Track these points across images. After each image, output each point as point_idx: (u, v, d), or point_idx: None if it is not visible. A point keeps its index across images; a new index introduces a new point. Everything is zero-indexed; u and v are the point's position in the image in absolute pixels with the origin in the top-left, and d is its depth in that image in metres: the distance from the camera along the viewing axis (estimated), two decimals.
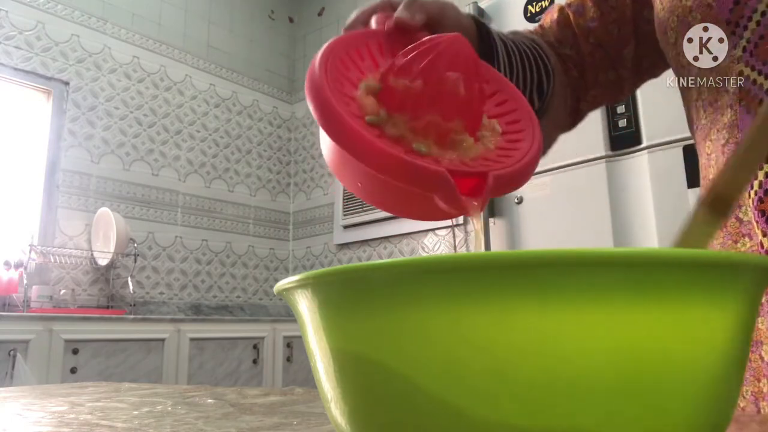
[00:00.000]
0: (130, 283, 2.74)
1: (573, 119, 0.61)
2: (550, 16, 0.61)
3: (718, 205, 0.28)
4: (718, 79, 0.48)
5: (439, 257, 0.18)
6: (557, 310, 0.17)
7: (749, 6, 0.44)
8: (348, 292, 0.20)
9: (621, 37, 0.57)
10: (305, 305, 0.22)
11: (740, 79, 0.46)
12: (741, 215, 0.47)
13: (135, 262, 2.77)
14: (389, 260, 0.18)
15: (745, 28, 0.45)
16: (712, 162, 0.51)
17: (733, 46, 0.46)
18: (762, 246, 0.43)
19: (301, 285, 0.21)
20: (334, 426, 0.23)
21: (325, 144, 0.36)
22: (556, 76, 0.55)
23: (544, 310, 0.17)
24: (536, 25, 0.63)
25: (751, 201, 0.45)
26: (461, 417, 0.18)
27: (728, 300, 0.19)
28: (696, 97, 0.51)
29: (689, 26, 0.48)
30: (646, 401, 0.17)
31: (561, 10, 0.61)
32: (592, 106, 0.61)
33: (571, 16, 0.59)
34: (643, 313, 0.17)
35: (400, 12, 0.39)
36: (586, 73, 0.58)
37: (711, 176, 0.51)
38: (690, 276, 0.18)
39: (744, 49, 0.45)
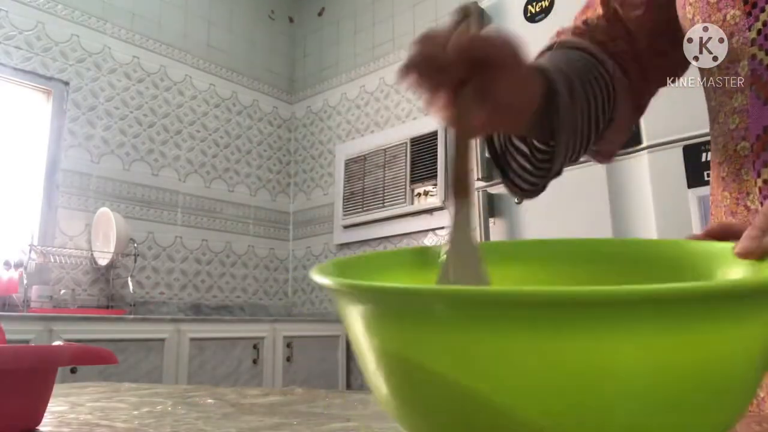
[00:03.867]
0: (130, 283, 2.73)
1: (637, 115, 0.58)
2: (593, 12, 0.57)
3: (458, 189, 0.35)
4: (728, 63, 0.46)
5: (506, 293, 0.21)
6: (609, 339, 0.20)
7: None
8: (418, 313, 0.22)
9: (672, 18, 0.53)
10: (363, 311, 0.24)
11: (751, 63, 0.44)
12: (749, 203, 0.46)
13: (135, 262, 2.77)
14: (457, 289, 0.21)
15: (762, 9, 0.43)
16: (718, 146, 0.49)
17: (747, 28, 0.44)
18: None
19: (365, 295, 0.23)
20: (394, 418, 0.26)
21: None
22: (617, 84, 0.52)
23: (599, 338, 0.20)
24: (574, 24, 0.58)
25: (758, 189, 0.44)
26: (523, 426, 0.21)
27: (749, 323, 0.22)
28: (708, 78, 0.49)
29: (707, 3, 0.47)
30: (677, 411, 0.21)
31: (605, 3, 0.57)
32: (653, 95, 0.59)
33: (619, 10, 0.55)
34: (676, 337, 0.20)
35: (463, 42, 0.36)
36: (644, 65, 0.55)
37: (716, 160, 0.49)
38: (712, 305, 0.20)
39: (759, 32, 0.43)
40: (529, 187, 0.51)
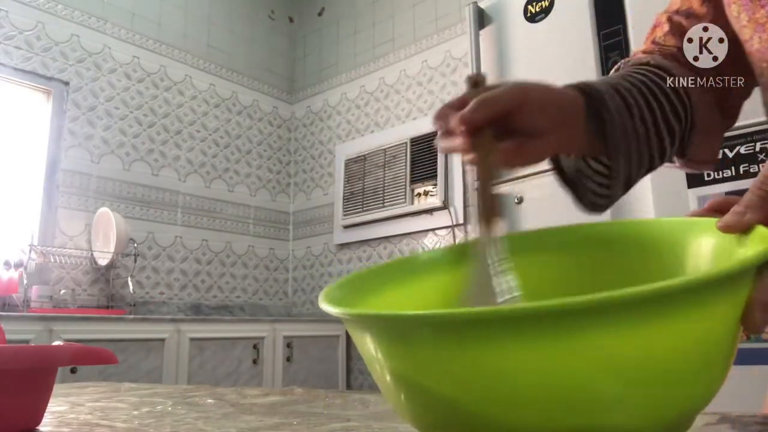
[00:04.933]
0: (130, 283, 2.73)
1: (731, 116, 0.57)
2: (661, 29, 0.58)
3: (486, 218, 0.38)
4: None
5: (479, 313, 0.22)
6: (577, 339, 0.21)
7: None
8: (402, 335, 0.25)
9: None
10: (374, 336, 0.26)
11: None
12: None
13: (135, 262, 2.77)
14: (434, 313, 0.24)
15: None
16: None
17: None
18: None
19: (371, 323, 0.26)
20: (403, 418, 0.28)
21: None
22: (691, 90, 0.52)
23: (574, 340, 0.21)
24: (647, 43, 0.59)
25: None
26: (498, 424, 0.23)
27: (716, 310, 0.23)
28: (761, 73, 0.49)
29: (751, 1, 0.47)
30: (649, 401, 0.22)
31: (669, 20, 0.58)
32: (742, 98, 0.57)
33: (685, 22, 0.56)
34: (640, 333, 0.21)
35: (464, 113, 0.40)
36: (721, 71, 0.54)
37: None
38: (677, 300, 0.22)
39: None
40: (605, 201, 0.52)
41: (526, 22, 1.85)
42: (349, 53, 3.52)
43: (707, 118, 0.54)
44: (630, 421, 0.22)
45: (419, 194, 2.90)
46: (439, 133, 0.43)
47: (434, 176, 2.83)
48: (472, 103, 0.39)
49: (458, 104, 0.41)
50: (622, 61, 0.58)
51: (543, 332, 0.21)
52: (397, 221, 2.98)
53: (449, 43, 2.98)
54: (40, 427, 0.41)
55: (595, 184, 0.51)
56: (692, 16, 0.56)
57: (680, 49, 0.55)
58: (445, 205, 2.76)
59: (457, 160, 2.80)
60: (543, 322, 0.21)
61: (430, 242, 2.87)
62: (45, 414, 0.43)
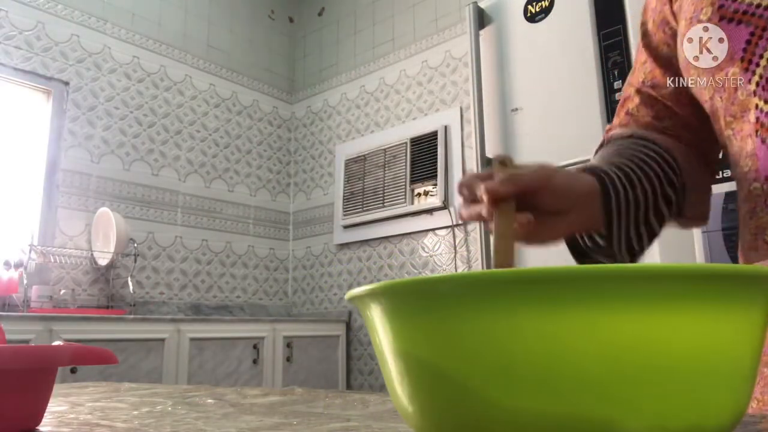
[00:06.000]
0: (130, 283, 2.73)
1: (712, 170, 0.62)
2: (632, 102, 0.63)
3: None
4: (741, 113, 0.50)
5: (498, 272, 0.21)
6: (590, 311, 0.20)
7: (760, 45, 0.47)
8: (412, 303, 0.24)
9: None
10: (377, 311, 0.26)
11: (756, 112, 0.48)
12: (767, 237, 0.49)
13: (135, 262, 2.77)
14: (463, 274, 0.23)
15: (758, 65, 0.48)
16: (738, 188, 0.53)
17: (747, 81, 0.49)
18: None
19: (375, 294, 0.25)
20: (399, 410, 0.27)
21: None
22: (676, 153, 0.56)
23: (587, 315, 0.20)
24: (617, 118, 0.64)
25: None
26: (500, 407, 0.21)
27: (745, 306, 0.22)
28: (725, 127, 0.52)
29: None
30: (672, 392, 0.20)
31: (638, 92, 0.62)
32: (717, 150, 0.61)
33: (653, 92, 0.61)
34: (670, 316, 0.20)
35: (491, 184, 0.42)
36: (694, 129, 0.59)
37: (739, 201, 0.53)
38: (704, 286, 0.21)
39: (757, 84, 0.48)
40: None
41: (526, 22, 1.85)
42: (349, 53, 3.52)
43: (696, 175, 0.58)
44: (623, 422, 0.20)
45: (419, 194, 2.90)
46: (462, 199, 0.46)
47: (434, 176, 2.83)
48: (499, 177, 0.43)
49: (484, 177, 0.44)
50: (605, 136, 0.63)
51: (542, 301, 0.20)
52: (397, 221, 2.98)
53: (449, 43, 2.98)
54: (40, 427, 0.41)
55: (603, 257, 0.54)
56: (657, 87, 0.61)
57: (654, 117, 0.61)
58: (445, 205, 2.76)
59: (457, 160, 2.80)
60: (549, 290, 0.20)
61: (430, 242, 2.87)
62: (45, 414, 0.43)
